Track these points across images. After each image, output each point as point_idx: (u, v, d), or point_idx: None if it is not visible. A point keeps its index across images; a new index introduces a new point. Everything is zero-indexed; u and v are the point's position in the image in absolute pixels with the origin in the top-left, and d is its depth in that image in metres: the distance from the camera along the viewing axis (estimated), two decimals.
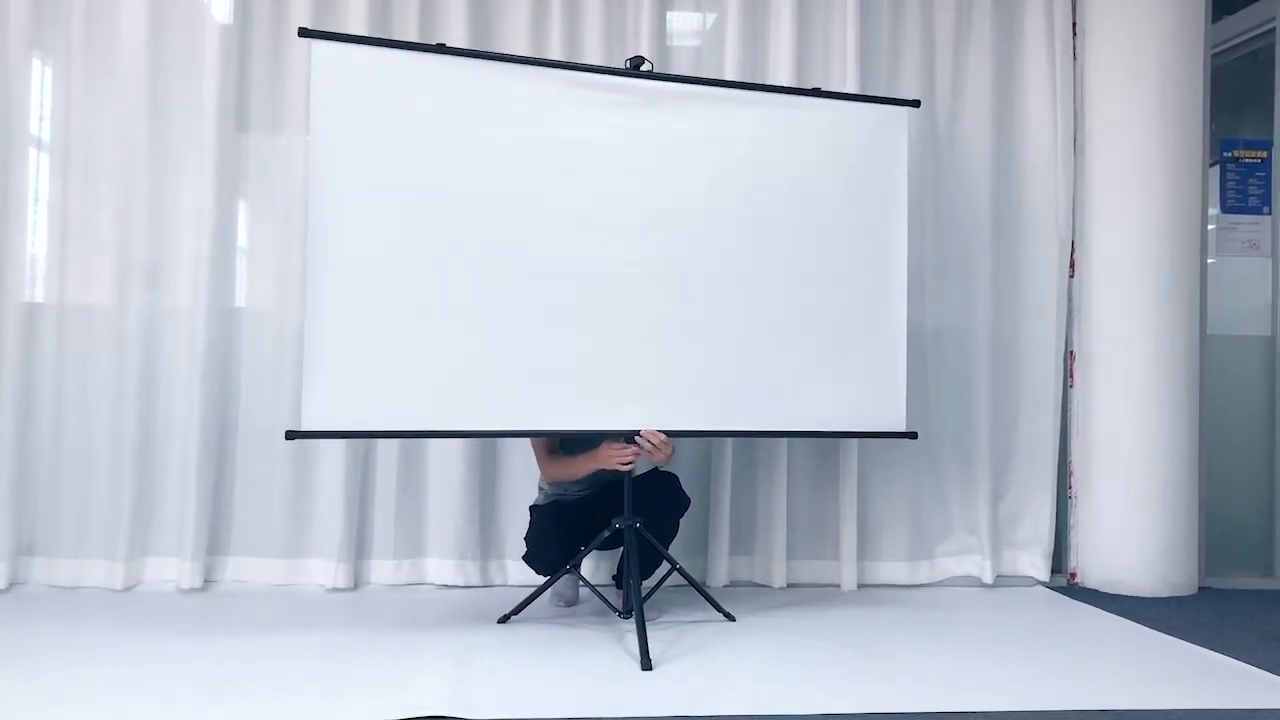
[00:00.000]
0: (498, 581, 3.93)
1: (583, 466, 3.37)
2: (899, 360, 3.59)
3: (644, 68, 3.38)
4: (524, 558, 3.55)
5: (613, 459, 3.26)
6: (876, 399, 3.56)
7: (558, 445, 3.50)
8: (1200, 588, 4.15)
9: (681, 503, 3.53)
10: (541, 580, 3.45)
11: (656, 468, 3.50)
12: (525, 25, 3.97)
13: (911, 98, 3.88)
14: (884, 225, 3.59)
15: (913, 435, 3.65)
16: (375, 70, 3.12)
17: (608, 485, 3.47)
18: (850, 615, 3.59)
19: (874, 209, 3.57)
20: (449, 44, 3.77)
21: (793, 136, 3.46)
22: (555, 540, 3.43)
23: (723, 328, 3.35)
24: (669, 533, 3.49)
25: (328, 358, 3.04)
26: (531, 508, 3.59)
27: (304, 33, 3.12)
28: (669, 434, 3.26)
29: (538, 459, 3.53)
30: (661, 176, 3.31)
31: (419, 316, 3.10)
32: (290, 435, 3.09)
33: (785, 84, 3.94)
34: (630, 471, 3.28)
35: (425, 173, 3.13)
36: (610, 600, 3.40)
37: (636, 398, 3.24)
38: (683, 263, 3.31)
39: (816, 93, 3.56)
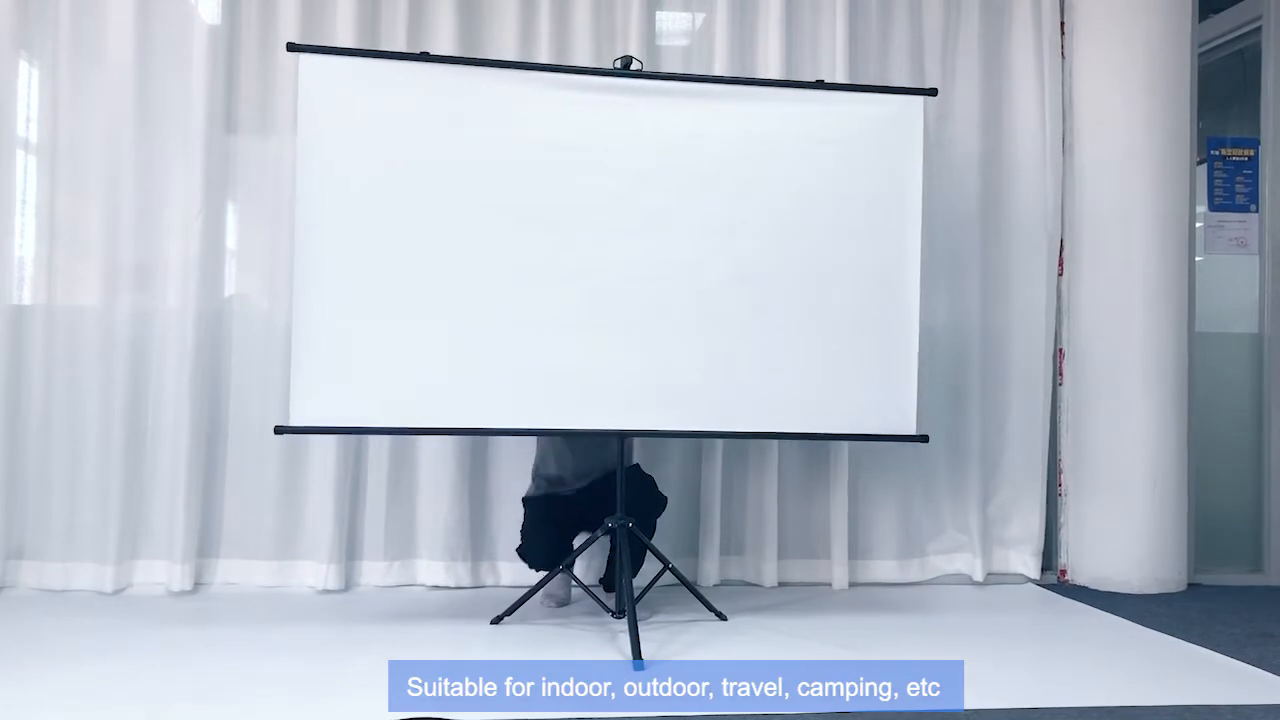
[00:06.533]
0: (489, 583, 3.92)
1: None
2: (909, 361, 3.48)
3: (634, 67, 3.38)
4: (517, 550, 3.57)
5: None
6: (884, 401, 3.46)
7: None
8: (1189, 584, 4.16)
9: (659, 502, 3.57)
10: (533, 573, 3.47)
11: (636, 465, 3.55)
12: (514, 28, 3.96)
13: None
14: (896, 220, 3.47)
15: (924, 439, 3.56)
16: (362, 77, 3.15)
17: (595, 481, 3.50)
18: (841, 614, 3.60)
19: (885, 203, 3.46)
20: (438, 45, 3.82)
21: (795, 131, 3.40)
22: (548, 534, 3.47)
23: (722, 327, 3.32)
24: (648, 533, 3.51)
25: (316, 354, 3.06)
26: (524, 500, 3.60)
27: (291, 47, 3.19)
28: (666, 435, 3.26)
29: None
30: (657, 176, 3.29)
31: (407, 316, 3.12)
32: (279, 430, 3.11)
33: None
34: (623, 462, 3.30)
35: (413, 175, 3.14)
36: (602, 600, 3.40)
37: (632, 398, 3.24)
38: (680, 262, 3.30)
39: (820, 85, 3.52)
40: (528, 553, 3.53)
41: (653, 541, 3.50)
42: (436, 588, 3.84)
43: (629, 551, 3.24)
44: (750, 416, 3.36)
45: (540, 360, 3.18)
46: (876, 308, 3.47)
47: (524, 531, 3.55)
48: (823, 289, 3.41)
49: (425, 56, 3.25)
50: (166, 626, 3.24)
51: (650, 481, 3.58)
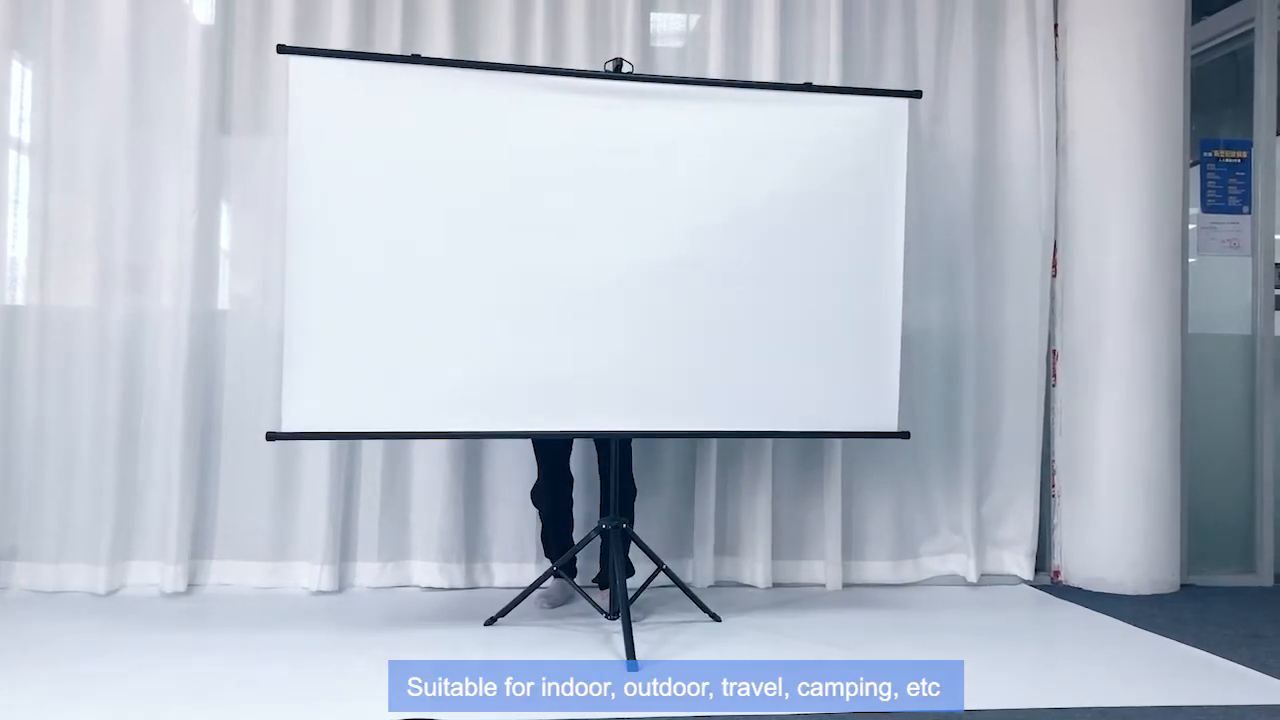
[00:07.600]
0: (483, 584, 3.92)
1: None
2: (892, 360, 3.52)
3: (624, 69, 3.38)
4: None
5: None
6: (868, 398, 3.49)
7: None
8: (1182, 585, 4.16)
9: (631, 491, 3.61)
10: (528, 575, 3.46)
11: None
12: (508, 30, 3.95)
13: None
14: (881, 221, 3.50)
15: (905, 435, 3.59)
16: (353, 80, 3.14)
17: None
18: (835, 615, 3.60)
19: (870, 204, 3.48)
20: (433, 47, 3.82)
21: (783, 133, 3.41)
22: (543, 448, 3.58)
23: (711, 328, 3.32)
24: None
25: (308, 359, 3.05)
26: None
27: (282, 49, 3.16)
28: (659, 436, 3.26)
29: None
30: (646, 177, 3.29)
31: (400, 319, 3.11)
32: (271, 437, 3.09)
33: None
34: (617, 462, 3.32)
35: (406, 177, 3.13)
36: (595, 601, 3.40)
37: (622, 399, 3.24)
38: (670, 264, 3.29)
39: (808, 88, 3.54)
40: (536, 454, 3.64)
41: (645, 541, 3.48)
42: (431, 589, 3.83)
43: (622, 553, 3.24)
44: (737, 416, 3.37)
45: (532, 362, 3.18)
46: (861, 306, 3.49)
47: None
48: (810, 288, 3.42)
49: (416, 59, 3.25)
50: (161, 628, 3.23)
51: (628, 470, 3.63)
